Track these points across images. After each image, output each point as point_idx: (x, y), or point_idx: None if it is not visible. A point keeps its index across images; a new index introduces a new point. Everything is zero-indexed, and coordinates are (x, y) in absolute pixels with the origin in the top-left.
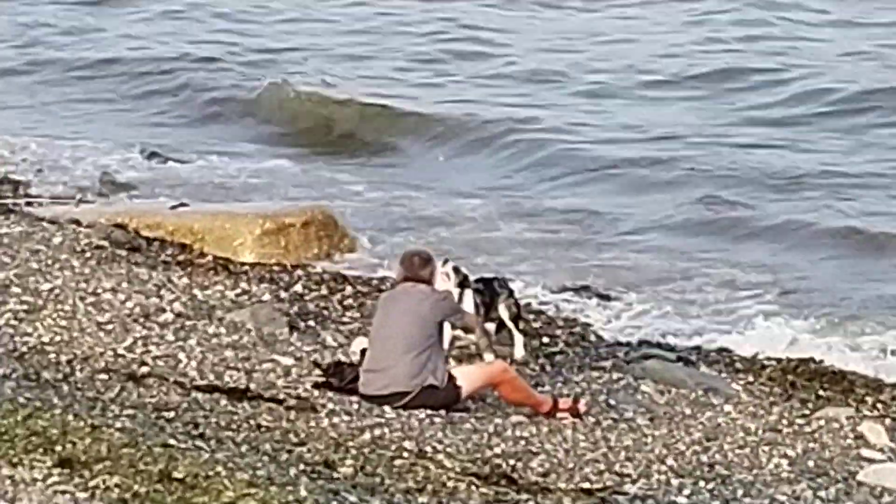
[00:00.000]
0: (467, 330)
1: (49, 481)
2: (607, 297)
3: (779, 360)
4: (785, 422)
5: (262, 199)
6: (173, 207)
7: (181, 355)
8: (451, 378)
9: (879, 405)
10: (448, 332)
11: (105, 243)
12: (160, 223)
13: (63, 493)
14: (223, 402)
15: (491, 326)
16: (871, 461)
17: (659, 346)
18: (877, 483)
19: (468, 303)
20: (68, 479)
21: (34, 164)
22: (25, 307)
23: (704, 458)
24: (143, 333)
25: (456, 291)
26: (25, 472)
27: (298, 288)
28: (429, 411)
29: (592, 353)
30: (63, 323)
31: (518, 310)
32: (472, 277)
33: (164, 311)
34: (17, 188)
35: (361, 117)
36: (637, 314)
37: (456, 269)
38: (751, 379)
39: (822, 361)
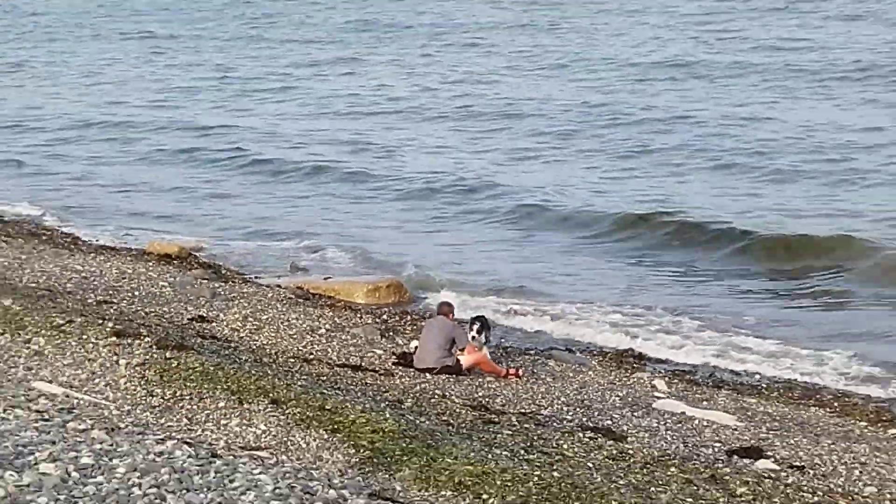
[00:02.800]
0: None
1: (265, 411)
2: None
3: (615, 350)
4: (618, 380)
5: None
6: (325, 279)
7: (329, 349)
8: (458, 360)
9: (663, 370)
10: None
11: (293, 297)
12: (319, 286)
13: (273, 417)
14: (349, 372)
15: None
16: (658, 398)
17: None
18: (662, 409)
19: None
20: (275, 409)
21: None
22: (255, 326)
23: (579, 397)
24: (311, 339)
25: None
26: (253, 406)
27: (385, 317)
28: (445, 376)
29: (526, 346)
30: (273, 334)
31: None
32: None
33: (320, 328)
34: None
35: None
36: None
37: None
38: (601, 358)
39: (640, 351)
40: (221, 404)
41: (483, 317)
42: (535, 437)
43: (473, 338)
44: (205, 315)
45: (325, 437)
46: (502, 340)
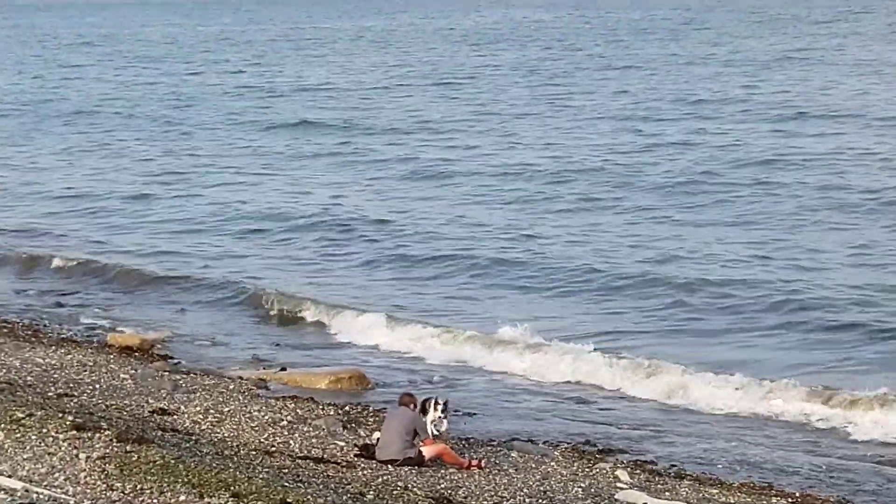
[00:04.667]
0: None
1: None
2: None
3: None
4: (580, 470)
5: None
6: (282, 369)
7: (291, 441)
8: (420, 452)
9: (625, 461)
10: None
11: (254, 388)
12: (280, 377)
13: None
14: (311, 464)
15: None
16: (620, 489)
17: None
18: (625, 499)
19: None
20: (236, 503)
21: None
22: (217, 419)
23: (541, 489)
24: (273, 431)
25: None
26: (214, 500)
27: (347, 408)
28: (408, 468)
29: (487, 438)
30: (234, 427)
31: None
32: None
33: (283, 419)
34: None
35: None
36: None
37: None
38: (563, 449)
39: (595, 443)
40: (182, 498)
41: (441, 400)
42: None
43: (440, 417)
44: (166, 408)
45: None
46: (463, 431)
